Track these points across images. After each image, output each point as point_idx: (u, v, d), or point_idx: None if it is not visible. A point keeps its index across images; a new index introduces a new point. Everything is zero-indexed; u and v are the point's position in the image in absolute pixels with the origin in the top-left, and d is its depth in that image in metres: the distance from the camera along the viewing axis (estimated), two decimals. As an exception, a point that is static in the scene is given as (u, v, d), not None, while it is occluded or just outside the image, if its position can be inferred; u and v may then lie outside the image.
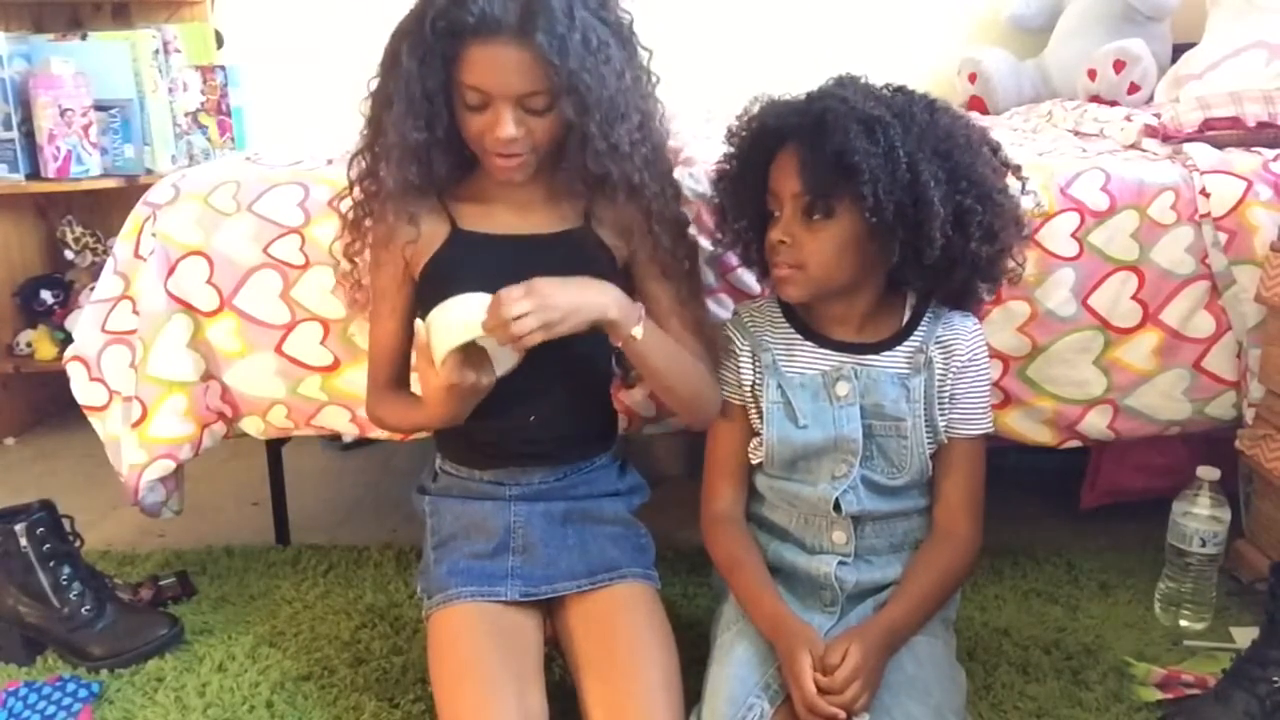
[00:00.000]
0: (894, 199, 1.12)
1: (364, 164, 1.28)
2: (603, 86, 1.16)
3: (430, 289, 1.28)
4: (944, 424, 1.24)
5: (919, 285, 1.26)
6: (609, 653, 1.18)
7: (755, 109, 1.25)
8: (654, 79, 1.27)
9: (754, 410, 1.28)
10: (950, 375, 1.24)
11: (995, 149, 1.25)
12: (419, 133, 1.19)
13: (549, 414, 1.28)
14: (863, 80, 1.23)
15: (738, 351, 1.29)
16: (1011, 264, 1.27)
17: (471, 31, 1.13)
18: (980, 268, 1.22)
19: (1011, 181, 1.26)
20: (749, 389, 1.28)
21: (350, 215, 1.32)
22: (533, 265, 1.20)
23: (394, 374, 1.35)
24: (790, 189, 1.18)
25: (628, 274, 1.31)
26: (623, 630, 1.20)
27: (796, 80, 1.24)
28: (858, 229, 1.17)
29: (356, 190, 1.30)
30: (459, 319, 1.11)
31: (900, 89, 1.21)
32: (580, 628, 1.23)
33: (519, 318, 1.08)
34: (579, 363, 1.28)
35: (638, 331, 1.17)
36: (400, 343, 1.34)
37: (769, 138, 1.21)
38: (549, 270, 1.17)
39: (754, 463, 1.30)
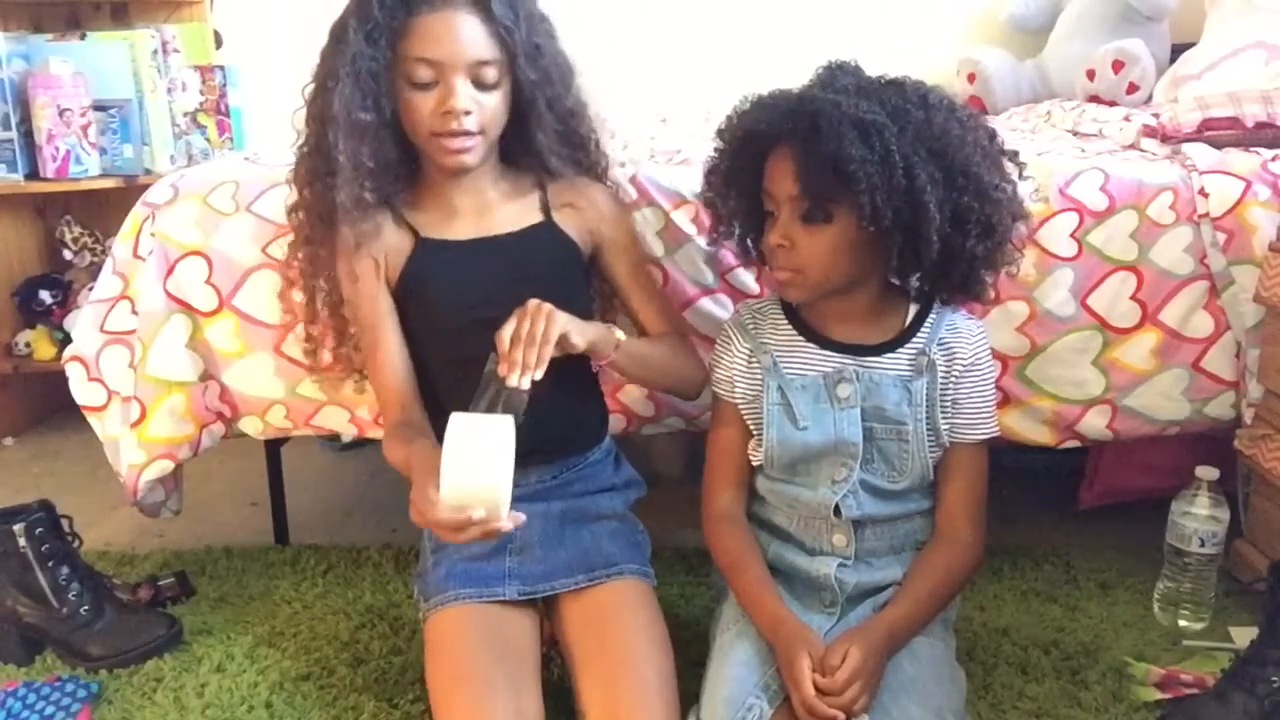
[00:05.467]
0: (891, 205, 1.11)
1: (312, 162, 1.25)
2: (556, 54, 1.23)
3: (405, 304, 1.29)
4: (946, 428, 1.24)
5: (918, 282, 1.25)
6: (604, 651, 1.18)
7: (746, 107, 1.23)
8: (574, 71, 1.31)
9: (753, 412, 1.27)
10: (953, 378, 1.24)
11: (992, 136, 1.22)
12: (366, 113, 1.18)
13: (539, 413, 1.25)
14: (852, 64, 1.21)
15: (736, 353, 1.29)
16: (1012, 251, 1.24)
17: (424, 1, 1.15)
18: (976, 264, 1.20)
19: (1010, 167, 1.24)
20: (749, 390, 1.28)
21: (306, 227, 1.29)
22: (501, 266, 1.23)
23: (410, 399, 1.28)
24: (786, 192, 1.17)
25: (593, 265, 1.34)
26: (618, 628, 1.20)
27: (795, 82, 1.23)
28: (856, 232, 1.15)
29: (307, 192, 1.27)
30: (466, 489, 1.05)
31: (893, 82, 1.18)
32: (576, 626, 1.23)
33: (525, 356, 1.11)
34: (561, 358, 1.27)
35: (616, 353, 1.23)
36: (408, 360, 1.30)
37: (761, 138, 1.19)
38: (517, 269, 1.22)
39: (754, 464, 1.30)
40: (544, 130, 1.24)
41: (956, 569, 1.23)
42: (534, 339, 1.11)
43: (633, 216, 1.43)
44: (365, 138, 1.20)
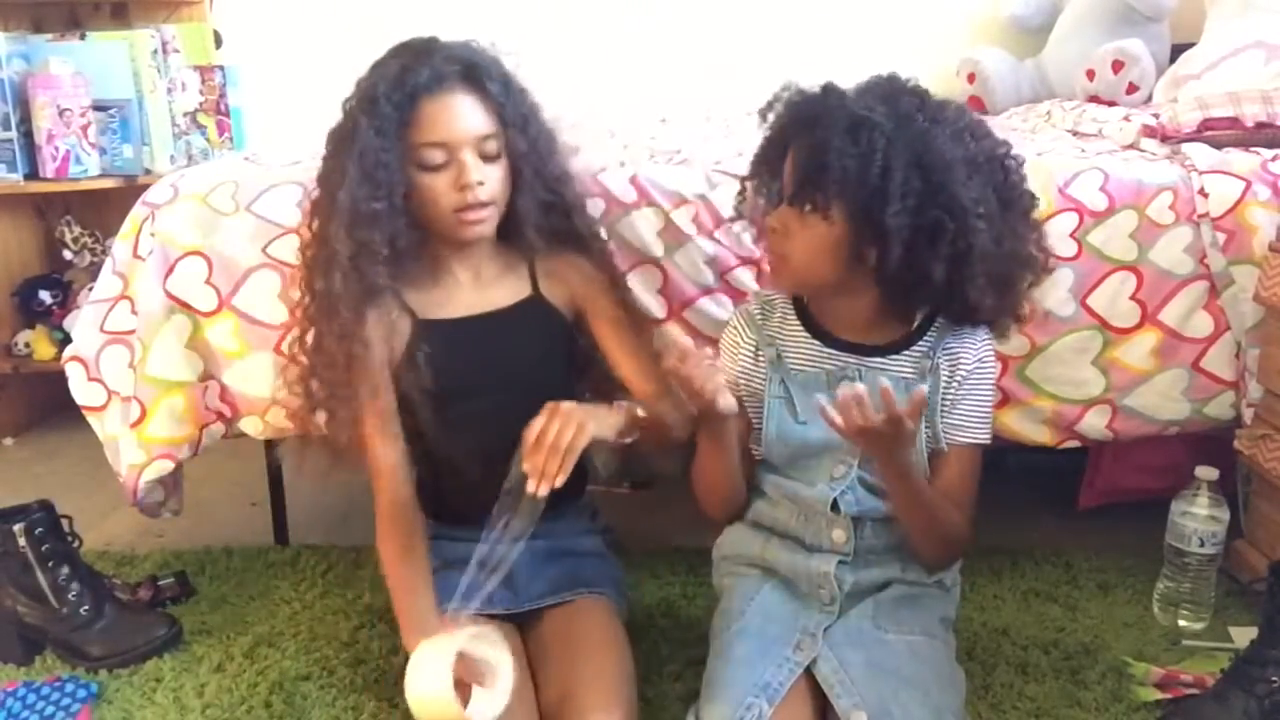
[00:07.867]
0: (860, 201, 1.12)
1: (323, 255, 1.25)
2: (539, 123, 1.29)
3: (403, 387, 1.29)
4: (943, 429, 1.23)
5: (914, 305, 1.24)
6: (564, 656, 1.21)
7: (784, 95, 1.24)
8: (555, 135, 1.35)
9: (755, 404, 1.27)
10: (955, 383, 1.23)
11: (1008, 174, 1.19)
12: (378, 203, 1.21)
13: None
14: (899, 79, 1.20)
15: (743, 343, 1.29)
16: (1021, 301, 1.23)
17: (424, 89, 1.21)
18: (956, 291, 1.17)
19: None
20: (752, 382, 1.28)
21: (310, 310, 1.28)
22: (498, 341, 1.29)
23: (402, 479, 1.29)
24: (790, 180, 1.19)
25: (578, 334, 1.36)
26: (578, 632, 1.24)
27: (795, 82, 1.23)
28: (844, 234, 1.16)
29: (320, 283, 1.25)
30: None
31: (920, 92, 1.18)
32: (544, 637, 1.26)
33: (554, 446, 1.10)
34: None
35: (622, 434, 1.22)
36: (400, 435, 1.29)
37: (786, 128, 1.21)
38: (508, 348, 1.29)
39: (756, 458, 1.30)
40: (529, 199, 1.28)
41: (950, 525, 1.22)
42: (559, 449, 1.10)
43: (621, 280, 1.43)
44: (377, 226, 1.22)
